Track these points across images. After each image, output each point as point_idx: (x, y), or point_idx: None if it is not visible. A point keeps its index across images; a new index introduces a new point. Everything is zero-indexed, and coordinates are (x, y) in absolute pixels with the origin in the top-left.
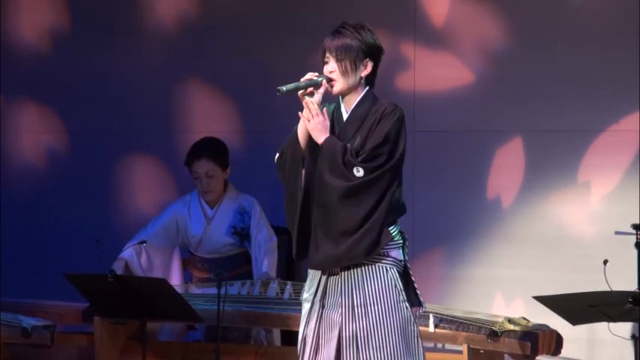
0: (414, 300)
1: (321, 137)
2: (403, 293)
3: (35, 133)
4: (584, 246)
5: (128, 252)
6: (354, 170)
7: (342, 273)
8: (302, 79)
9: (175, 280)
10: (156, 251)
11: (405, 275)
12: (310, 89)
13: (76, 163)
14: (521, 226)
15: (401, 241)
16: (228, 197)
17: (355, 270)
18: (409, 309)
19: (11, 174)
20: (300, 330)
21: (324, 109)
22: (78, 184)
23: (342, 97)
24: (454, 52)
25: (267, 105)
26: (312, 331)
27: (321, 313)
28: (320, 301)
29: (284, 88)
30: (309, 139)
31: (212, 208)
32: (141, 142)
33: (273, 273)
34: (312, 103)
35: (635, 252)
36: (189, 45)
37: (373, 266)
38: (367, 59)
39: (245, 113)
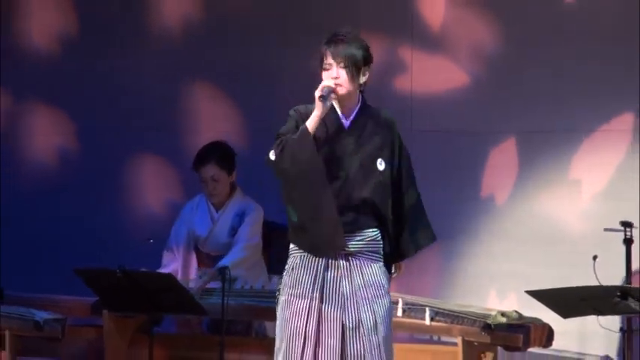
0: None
1: None
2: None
3: (46, 136)
4: (575, 242)
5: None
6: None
7: (341, 267)
8: (321, 88)
9: (192, 274)
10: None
11: None
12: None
13: (86, 164)
14: (514, 224)
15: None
16: (234, 200)
17: (354, 263)
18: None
19: (26, 176)
20: (295, 325)
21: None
22: (88, 185)
23: (337, 101)
24: (450, 55)
25: (272, 105)
26: (313, 325)
27: (320, 307)
28: (318, 295)
29: (327, 102)
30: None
31: (218, 211)
32: (149, 143)
33: (236, 269)
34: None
35: (624, 248)
36: (195, 47)
37: (368, 260)
38: (367, 66)
39: (249, 113)
